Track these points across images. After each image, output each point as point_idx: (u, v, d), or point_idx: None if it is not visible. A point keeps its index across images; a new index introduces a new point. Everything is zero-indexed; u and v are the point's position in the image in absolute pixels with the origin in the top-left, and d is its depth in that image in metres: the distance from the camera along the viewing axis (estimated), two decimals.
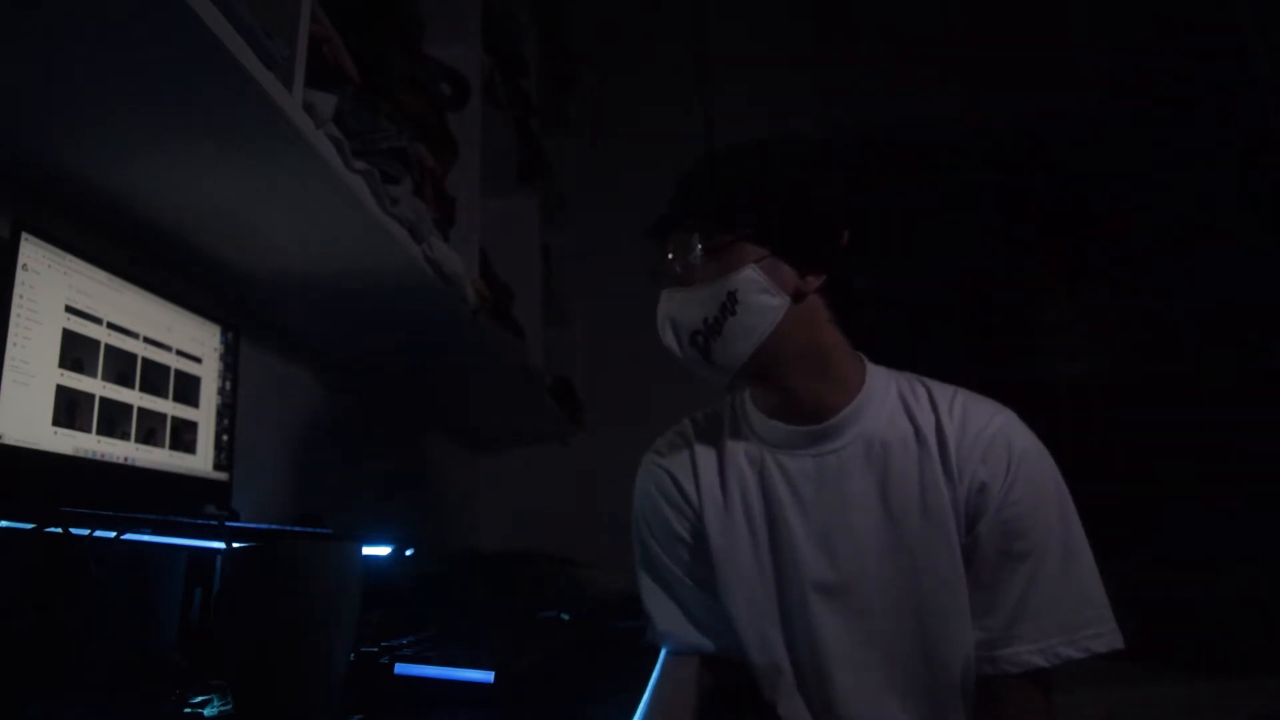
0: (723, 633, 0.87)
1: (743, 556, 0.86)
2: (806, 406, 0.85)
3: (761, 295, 0.81)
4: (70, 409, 0.77)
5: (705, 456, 0.91)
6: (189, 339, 0.97)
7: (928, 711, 0.79)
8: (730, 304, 0.81)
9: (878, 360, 0.90)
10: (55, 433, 0.75)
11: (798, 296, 0.82)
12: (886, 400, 0.86)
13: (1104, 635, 0.76)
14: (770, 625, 0.84)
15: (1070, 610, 0.76)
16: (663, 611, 0.90)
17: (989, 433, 0.81)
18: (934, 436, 0.82)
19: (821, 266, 0.83)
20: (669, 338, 0.85)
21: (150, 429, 0.88)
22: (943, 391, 0.86)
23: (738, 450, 0.90)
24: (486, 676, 0.77)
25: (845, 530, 0.82)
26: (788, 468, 0.86)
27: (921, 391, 0.87)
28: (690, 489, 0.90)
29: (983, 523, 0.78)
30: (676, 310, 0.84)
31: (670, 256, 0.85)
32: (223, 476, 1.01)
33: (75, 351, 0.78)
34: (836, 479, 0.84)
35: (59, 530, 0.65)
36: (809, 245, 0.83)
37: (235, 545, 0.71)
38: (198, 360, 0.98)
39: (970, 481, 0.80)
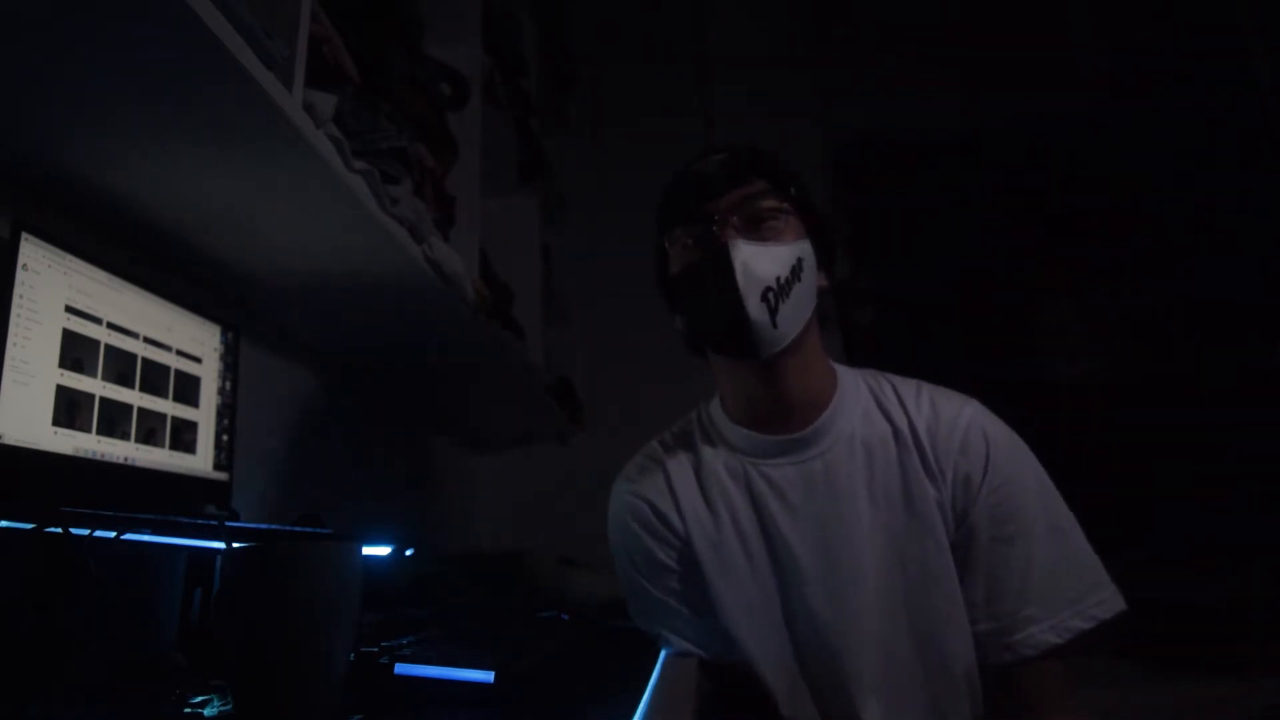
0: (724, 652, 0.84)
1: (740, 574, 0.83)
2: (793, 403, 0.83)
3: (812, 271, 0.81)
4: (70, 409, 0.77)
5: (682, 477, 0.88)
6: (189, 339, 0.97)
7: (931, 706, 0.78)
8: (798, 269, 0.79)
9: (880, 360, 0.90)
10: (55, 433, 0.75)
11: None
12: (859, 397, 0.85)
13: (1106, 600, 0.76)
14: (778, 639, 0.82)
15: (1071, 583, 0.76)
16: (669, 637, 0.88)
17: (962, 424, 0.81)
18: (909, 434, 0.82)
19: (830, 270, 0.85)
20: (744, 283, 0.77)
21: (150, 429, 0.88)
22: (906, 386, 0.86)
23: (716, 464, 0.86)
24: (486, 676, 0.76)
25: (841, 534, 0.81)
26: (773, 478, 0.84)
27: (888, 387, 0.86)
28: (673, 516, 0.86)
29: (973, 514, 0.79)
30: (752, 260, 0.77)
31: (738, 207, 0.80)
32: (223, 476, 1.01)
33: (75, 351, 0.78)
34: (826, 484, 0.82)
35: (59, 530, 0.65)
36: (828, 244, 0.84)
37: (235, 545, 0.71)
38: (198, 360, 0.98)
39: (954, 476, 0.80)
